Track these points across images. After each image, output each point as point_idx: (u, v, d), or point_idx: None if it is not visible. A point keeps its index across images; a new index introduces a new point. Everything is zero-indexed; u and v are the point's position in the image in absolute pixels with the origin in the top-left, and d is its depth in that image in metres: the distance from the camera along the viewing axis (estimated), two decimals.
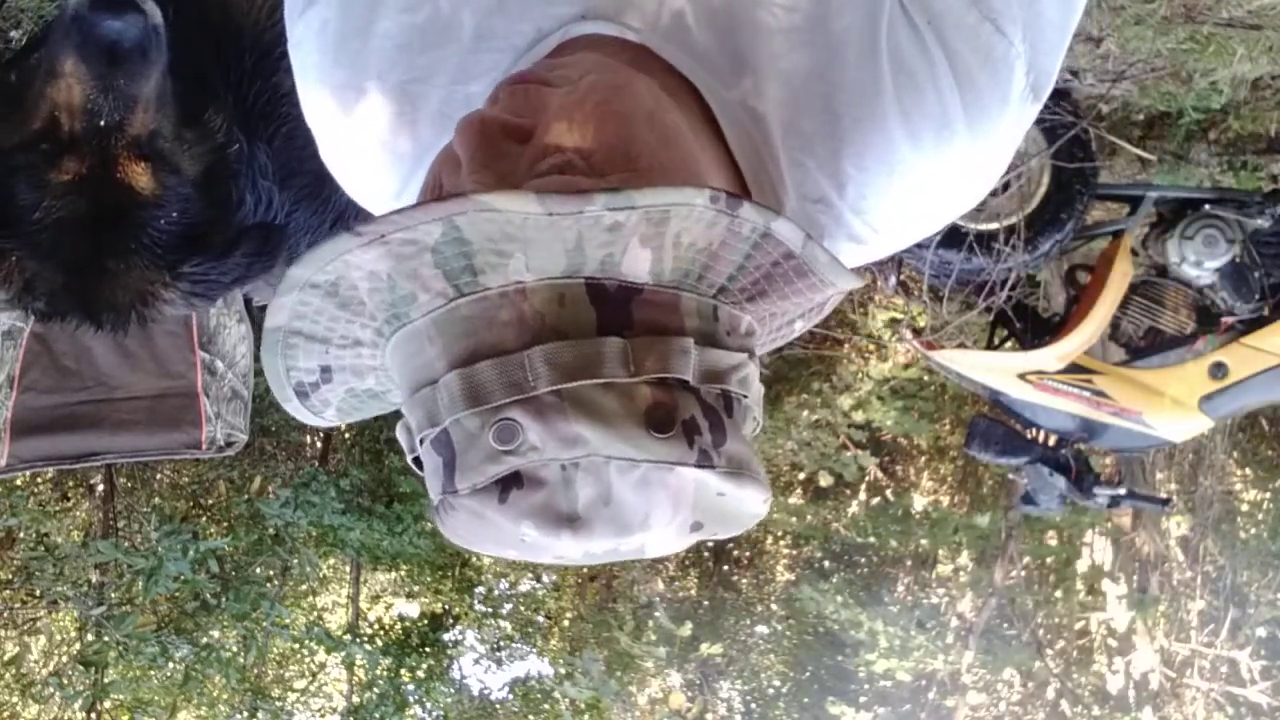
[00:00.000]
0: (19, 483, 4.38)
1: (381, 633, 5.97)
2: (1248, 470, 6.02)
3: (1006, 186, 3.27)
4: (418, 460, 0.72)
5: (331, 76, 0.92)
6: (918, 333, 3.94)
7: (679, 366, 0.67)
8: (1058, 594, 6.30)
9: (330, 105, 0.93)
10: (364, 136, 0.92)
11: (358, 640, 5.48)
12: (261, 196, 1.67)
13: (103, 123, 1.48)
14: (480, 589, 6.64)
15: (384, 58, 0.89)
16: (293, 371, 0.73)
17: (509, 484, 0.66)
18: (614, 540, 0.68)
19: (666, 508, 0.68)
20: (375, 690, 5.46)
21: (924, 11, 0.83)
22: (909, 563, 6.73)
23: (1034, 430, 3.48)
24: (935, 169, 0.84)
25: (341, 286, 0.67)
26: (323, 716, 6.76)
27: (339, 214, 1.85)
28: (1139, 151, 3.79)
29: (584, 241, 0.64)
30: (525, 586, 7.00)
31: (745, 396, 0.71)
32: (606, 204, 0.63)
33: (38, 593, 4.85)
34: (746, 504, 0.71)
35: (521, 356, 0.65)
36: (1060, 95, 3.25)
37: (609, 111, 0.73)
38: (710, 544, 6.98)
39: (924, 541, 6.10)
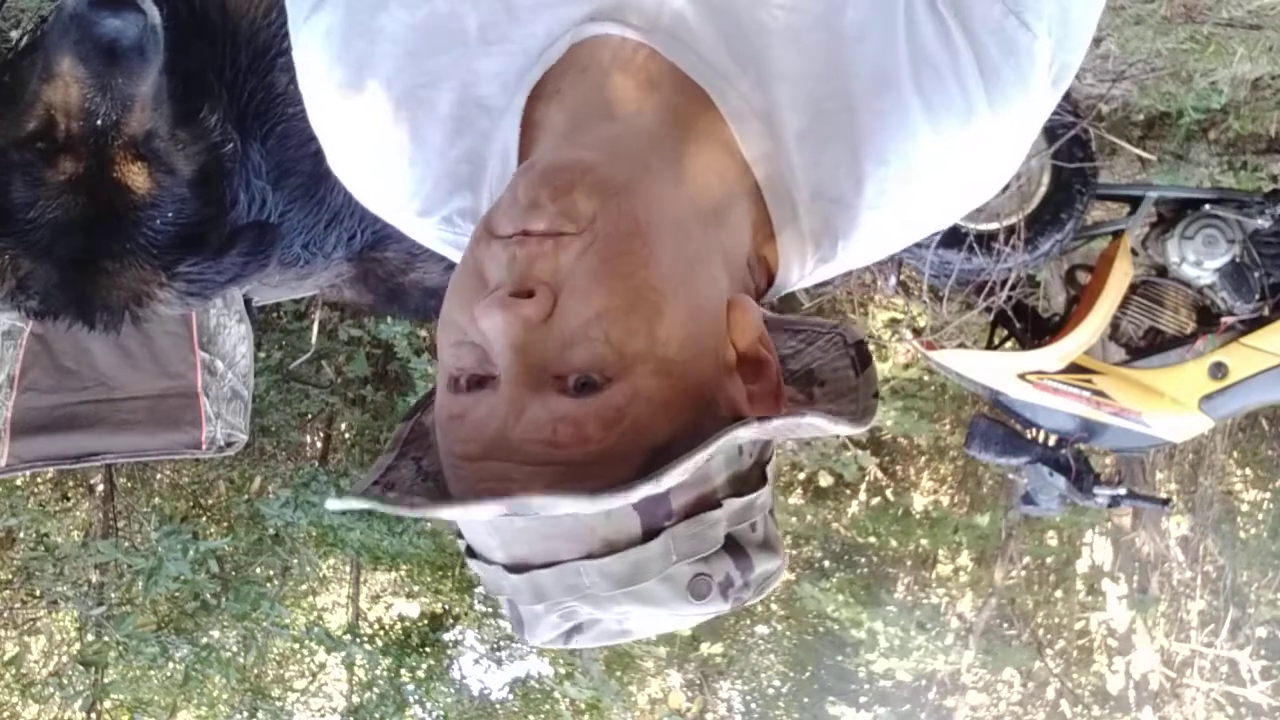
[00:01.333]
0: (19, 483, 4.38)
1: (381, 633, 5.97)
2: (1248, 470, 6.01)
3: (1006, 187, 3.26)
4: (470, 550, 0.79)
5: (338, 82, 0.91)
6: (918, 333, 3.93)
7: (715, 540, 0.74)
8: (1058, 594, 6.31)
9: (337, 111, 0.92)
10: (372, 142, 0.91)
11: (358, 640, 5.48)
12: (255, 196, 1.67)
13: (99, 122, 1.48)
14: (480, 589, 6.64)
15: (391, 63, 0.89)
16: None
17: (571, 633, 0.77)
18: None
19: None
20: (375, 690, 5.46)
21: (950, 4, 0.82)
22: (909, 563, 6.73)
23: (1034, 430, 3.47)
24: (956, 161, 0.84)
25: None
26: (323, 716, 6.76)
27: (334, 214, 1.85)
28: (1139, 151, 3.79)
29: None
30: None
31: (766, 513, 0.79)
32: (649, 491, 0.68)
33: (38, 593, 4.85)
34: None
35: (577, 566, 0.71)
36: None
37: (631, 285, 0.73)
38: None
39: (924, 541, 6.10)
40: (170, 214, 1.55)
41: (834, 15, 0.84)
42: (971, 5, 0.82)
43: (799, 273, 0.90)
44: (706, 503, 0.73)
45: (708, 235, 0.81)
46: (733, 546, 0.75)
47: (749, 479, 0.76)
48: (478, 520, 0.73)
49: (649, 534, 0.71)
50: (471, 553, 0.78)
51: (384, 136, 0.91)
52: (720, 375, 0.77)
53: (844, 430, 0.76)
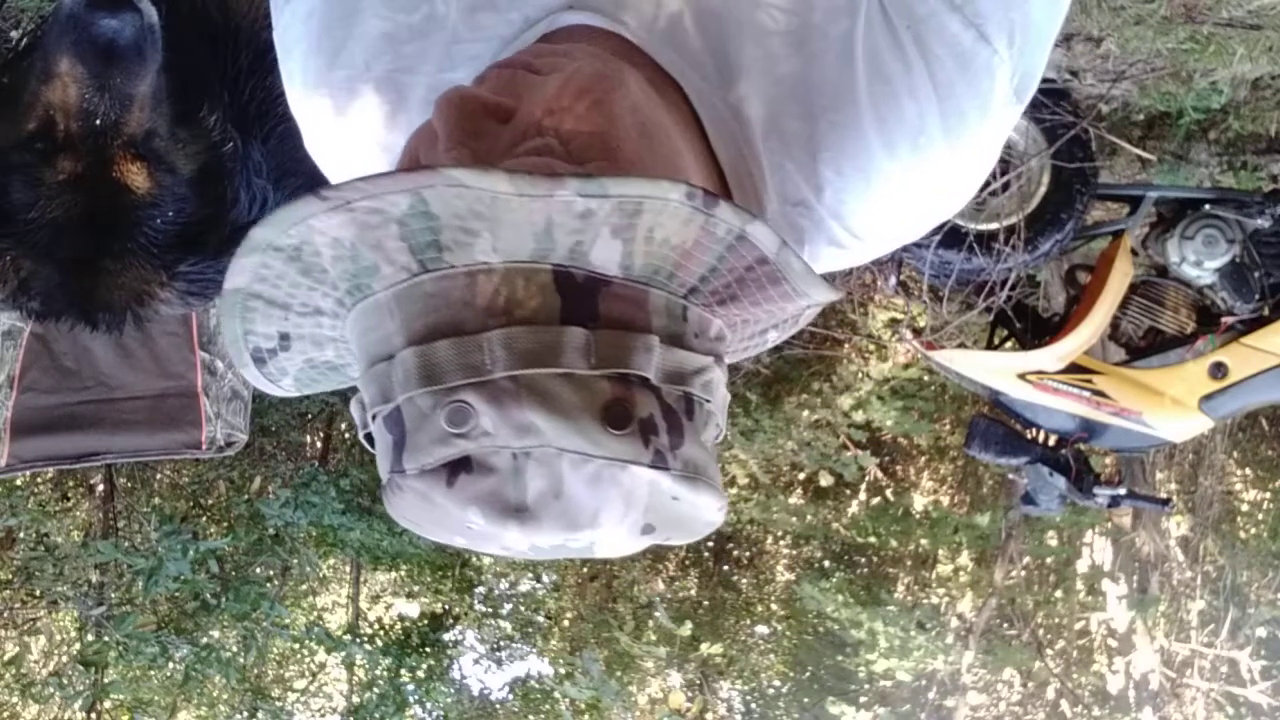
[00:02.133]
0: (19, 483, 4.38)
1: (381, 633, 5.98)
2: (1248, 470, 6.01)
3: (1006, 186, 3.27)
4: (370, 437, 0.71)
5: (316, 67, 0.91)
6: (918, 333, 3.93)
7: (641, 363, 0.66)
8: (1058, 594, 6.30)
9: (315, 96, 0.92)
10: (349, 127, 0.92)
11: (358, 640, 5.49)
12: (256, 195, 1.66)
13: (98, 122, 1.48)
14: (480, 589, 6.65)
15: (370, 47, 0.89)
16: (250, 336, 0.72)
17: (458, 468, 0.65)
18: (562, 535, 0.67)
19: (618, 506, 0.67)
20: (375, 690, 5.47)
21: (905, 15, 0.81)
22: (909, 563, 6.72)
23: (1034, 430, 3.47)
24: (913, 177, 0.83)
25: (305, 252, 0.65)
26: (323, 716, 6.77)
27: None
28: (1139, 151, 3.79)
29: (553, 227, 0.63)
30: (525, 586, 7.00)
31: (708, 401, 0.71)
32: (579, 189, 0.61)
33: (38, 593, 4.86)
34: (701, 510, 0.71)
35: (481, 339, 0.64)
36: (1060, 95, 3.24)
37: (594, 100, 0.72)
38: (710, 544, 6.98)
39: (924, 541, 6.09)
40: (171, 213, 1.54)
41: (809, 19, 0.84)
42: (926, 18, 0.81)
43: None
44: (637, 325, 0.66)
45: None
46: (664, 402, 0.67)
47: (688, 344, 0.69)
48: (382, 306, 0.66)
49: (567, 321, 0.64)
50: (362, 410, 0.70)
51: (360, 120, 0.91)
52: None
53: (797, 269, 0.69)
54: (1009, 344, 3.54)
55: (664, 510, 0.69)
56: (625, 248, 0.65)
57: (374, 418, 0.69)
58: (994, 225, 3.29)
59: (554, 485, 0.65)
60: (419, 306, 0.65)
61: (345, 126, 0.92)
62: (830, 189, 0.84)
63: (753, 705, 7.34)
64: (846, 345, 5.31)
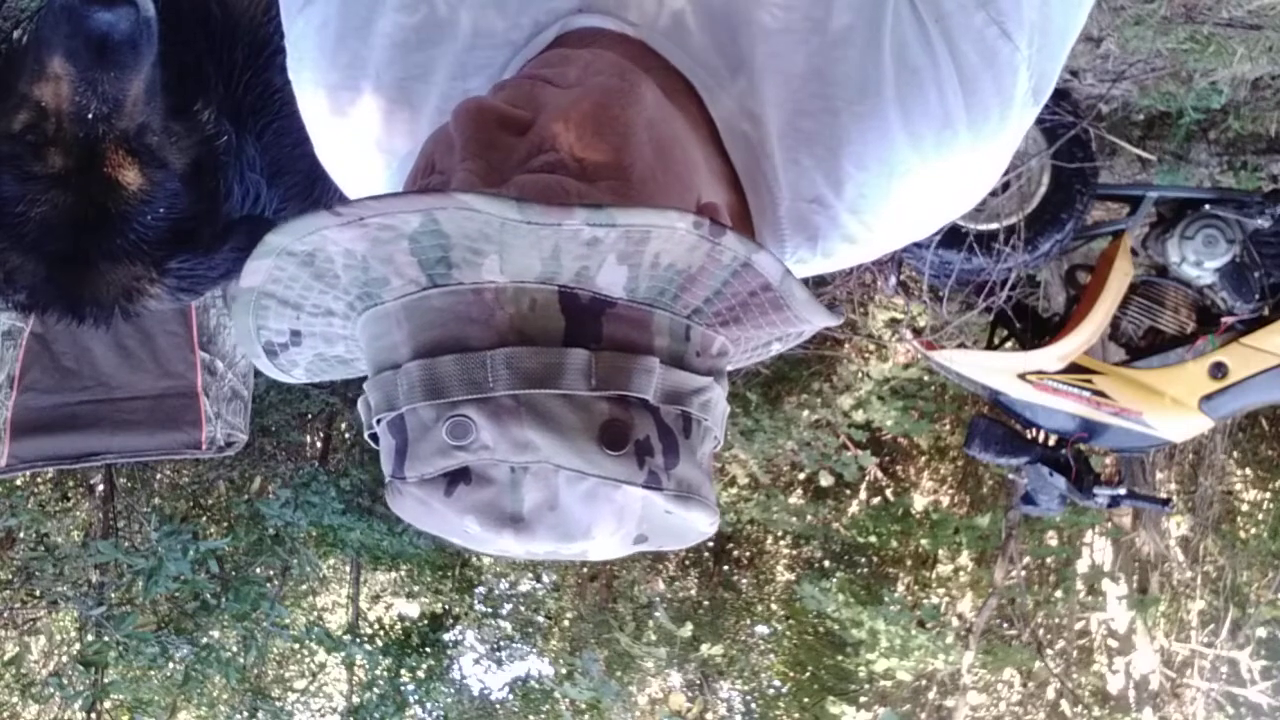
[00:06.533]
0: (19, 483, 4.38)
1: (381, 633, 5.98)
2: (1248, 470, 6.01)
3: (1006, 186, 3.27)
4: (374, 436, 0.73)
5: (329, 74, 0.91)
6: (918, 333, 3.93)
7: (640, 386, 0.67)
8: (1058, 594, 6.29)
9: (327, 104, 0.92)
10: (361, 135, 0.92)
11: (358, 640, 5.49)
12: (249, 189, 1.65)
13: (90, 116, 1.46)
14: (480, 589, 6.66)
15: (382, 56, 0.89)
16: (263, 331, 0.73)
17: (457, 478, 0.67)
18: (555, 544, 0.69)
19: (610, 521, 0.69)
20: (375, 690, 5.47)
21: (933, 10, 0.82)
22: (909, 563, 6.72)
23: (1034, 430, 3.47)
24: (934, 170, 0.84)
25: (318, 258, 0.67)
26: (323, 716, 6.77)
27: None
28: (1139, 151, 3.79)
29: (560, 252, 0.64)
30: (525, 586, 7.00)
31: (706, 419, 0.72)
32: (586, 219, 0.62)
33: (38, 593, 4.86)
34: (693, 523, 0.73)
35: (484, 356, 0.65)
36: (1060, 95, 3.24)
37: (608, 116, 0.73)
38: (710, 544, 6.98)
39: (924, 541, 6.09)
40: (162, 209, 1.52)
41: (821, 16, 0.84)
42: (953, 13, 0.82)
43: None
44: (639, 346, 0.68)
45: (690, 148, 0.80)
46: (661, 423, 0.69)
47: (689, 364, 0.71)
48: (390, 315, 0.68)
49: (570, 343, 0.66)
50: (371, 415, 0.71)
51: (371, 129, 0.91)
52: None
53: (800, 297, 0.70)
54: (1009, 344, 3.54)
55: (657, 521, 0.72)
56: (631, 272, 0.66)
57: (378, 421, 0.71)
58: (994, 225, 3.29)
59: (549, 498, 0.67)
60: (426, 319, 0.67)
61: (356, 134, 0.92)
62: (851, 183, 0.84)
63: (753, 705, 7.34)
64: (846, 345, 5.31)
